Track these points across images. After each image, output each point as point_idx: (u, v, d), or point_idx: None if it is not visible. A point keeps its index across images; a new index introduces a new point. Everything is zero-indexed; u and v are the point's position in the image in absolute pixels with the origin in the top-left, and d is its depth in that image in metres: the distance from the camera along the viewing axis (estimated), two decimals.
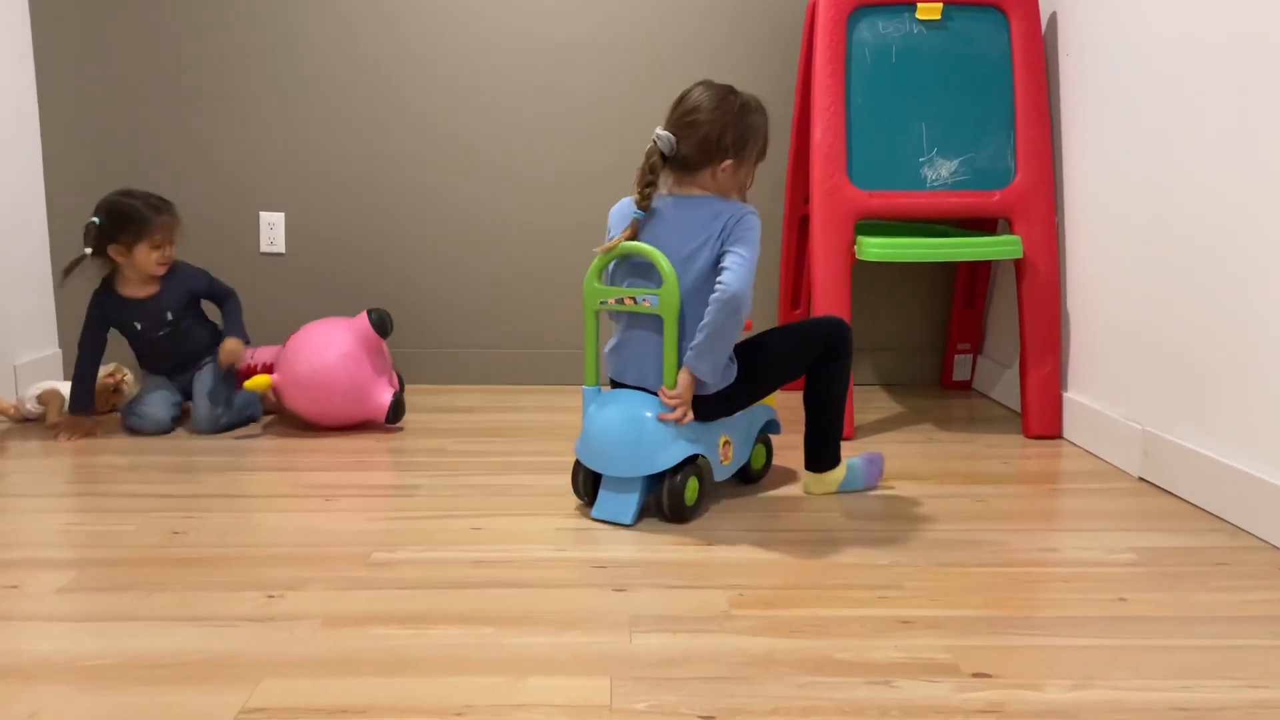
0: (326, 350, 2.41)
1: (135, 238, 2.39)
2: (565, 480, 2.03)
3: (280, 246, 2.97)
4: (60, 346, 2.95)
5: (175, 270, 2.49)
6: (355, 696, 1.20)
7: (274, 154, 2.93)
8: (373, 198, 2.96)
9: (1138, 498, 2.01)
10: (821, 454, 1.99)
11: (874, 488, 2.04)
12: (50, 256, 2.92)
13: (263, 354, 2.67)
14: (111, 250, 2.40)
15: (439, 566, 1.62)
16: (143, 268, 2.42)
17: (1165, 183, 2.06)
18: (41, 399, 2.52)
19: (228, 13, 2.87)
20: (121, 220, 2.39)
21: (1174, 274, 2.03)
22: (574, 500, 1.95)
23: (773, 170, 2.41)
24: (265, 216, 2.96)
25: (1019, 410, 2.58)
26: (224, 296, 2.58)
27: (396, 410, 2.47)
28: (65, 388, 2.56)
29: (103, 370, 2.64)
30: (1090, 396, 2.38)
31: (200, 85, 2.90)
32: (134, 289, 2.46)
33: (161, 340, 2.51)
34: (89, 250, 2.40)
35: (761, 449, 2.08)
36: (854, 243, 2.41)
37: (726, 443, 1.92)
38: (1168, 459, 2.03)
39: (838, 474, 2.00)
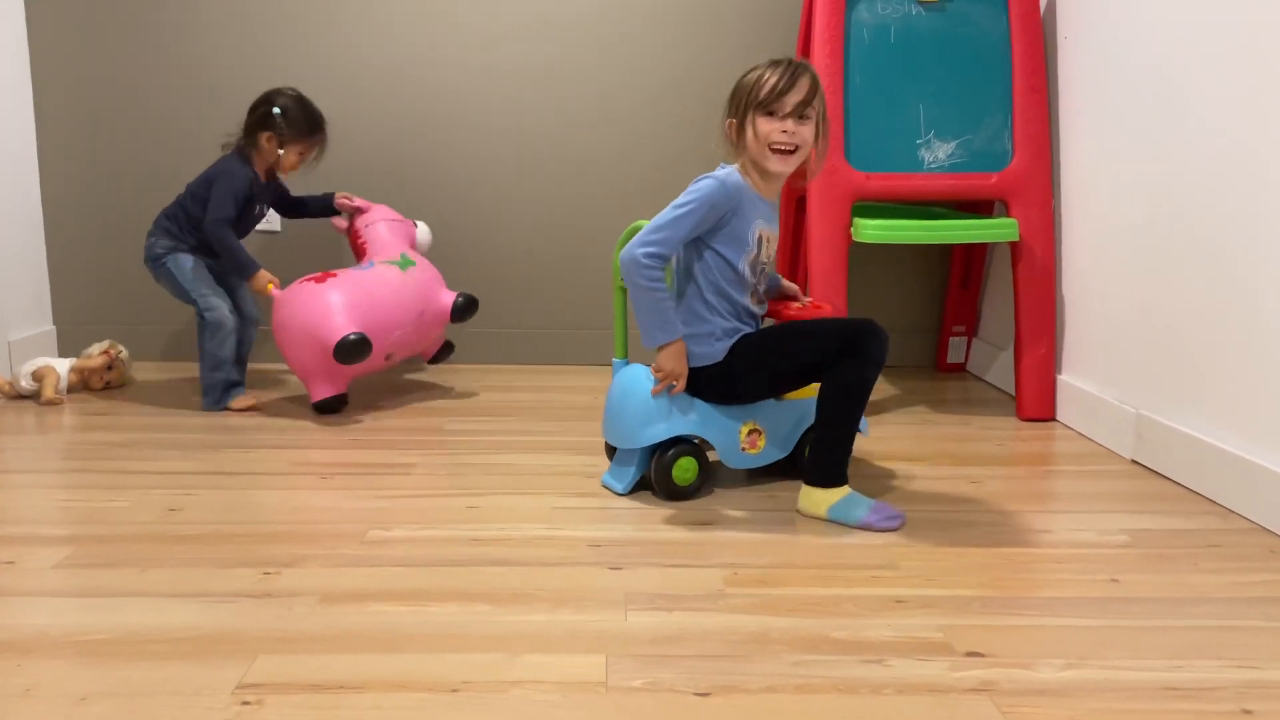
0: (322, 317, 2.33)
1: (298, 139, 2.46)
2: (561, 460, 2.05)
3: (277, 225, 2.95)
4: (54, 323, 2.94)
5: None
6: (352, 672, 1.21)
7: None
8: (381, 175, 2.94)
9: (1130, 480, 2.02)
10: (816, 467, 1.76)
11: (873, 529, 1.71)
12: (44, 232, 2.91)
13: (380, 213, 2.65)
14: (265, 137, 2.45)
15: (435, 544, 1.62)
16: (282, 166, 2.49)
17: (1162, 167, 2.06)
18: (36, 375, 2.51)
19: None
20: (301, 118, 2.45)
21: (1169, 258, 2.04)
22: (570, 479, 1.95)
23: None
24: None
25: (1013, 393, 2.59)
26: (301, 203, 2.66)
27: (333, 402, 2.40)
28: (59, 364, 2.55)
29: (96, 347, 2.63)
30: (1084, 379, 2.38)
31: (202, 59, 2.87)
32: (260, 172, 2.51)
33: (251, 228, 2.56)
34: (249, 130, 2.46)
35: None
36: (850, 224, 2.41)
37: (753, 431, 1.87)
38: (1160, 442, 2.04)
39: (828, 495, 1.74)
